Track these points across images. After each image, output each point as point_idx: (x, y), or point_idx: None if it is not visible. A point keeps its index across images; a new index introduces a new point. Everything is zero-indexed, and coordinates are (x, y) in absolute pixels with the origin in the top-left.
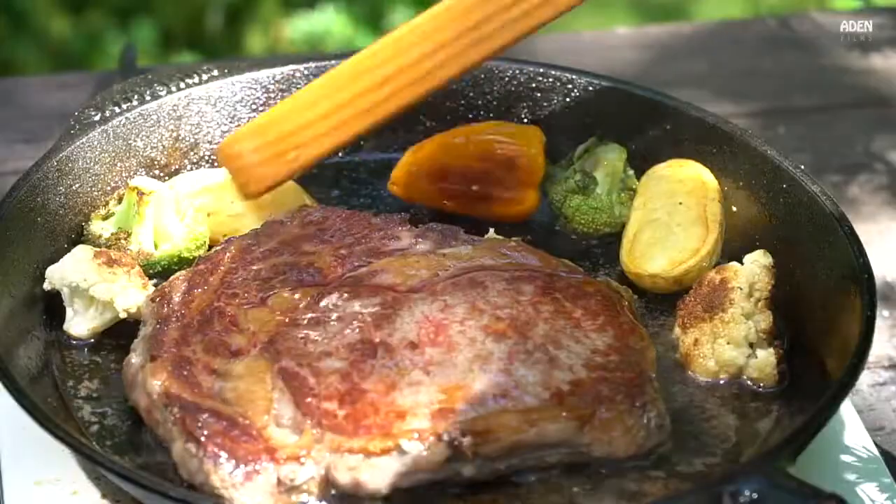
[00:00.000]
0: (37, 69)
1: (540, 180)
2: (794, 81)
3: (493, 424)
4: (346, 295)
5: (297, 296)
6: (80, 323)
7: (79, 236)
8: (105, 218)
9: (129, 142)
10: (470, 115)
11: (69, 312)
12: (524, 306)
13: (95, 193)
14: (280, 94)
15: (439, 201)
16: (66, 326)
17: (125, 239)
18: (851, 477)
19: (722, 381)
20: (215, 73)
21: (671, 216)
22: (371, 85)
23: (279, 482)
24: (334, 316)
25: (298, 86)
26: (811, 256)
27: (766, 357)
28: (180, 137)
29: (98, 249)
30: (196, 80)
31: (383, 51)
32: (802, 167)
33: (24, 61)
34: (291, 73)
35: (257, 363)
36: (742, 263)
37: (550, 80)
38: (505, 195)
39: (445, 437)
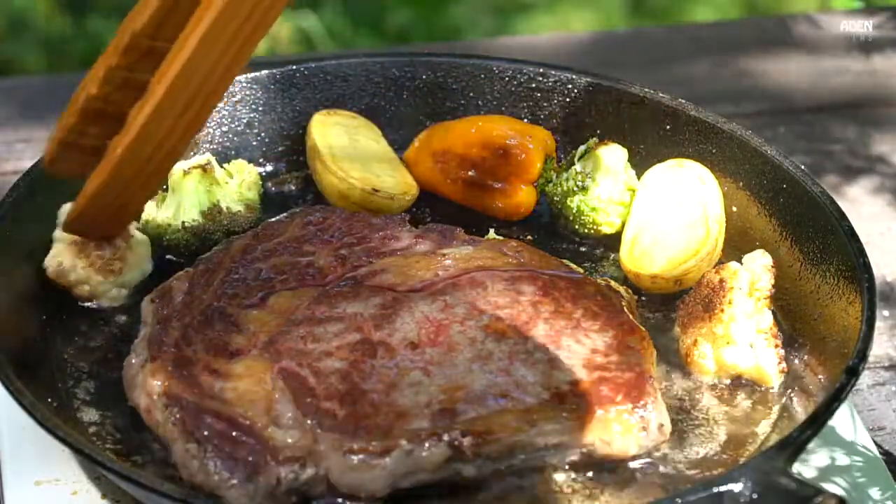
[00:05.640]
0: (37, 69)
1: (534, 178)
2: (793, 81)
3: (493, 424)
4: (346, 295)
5: (297, 296)
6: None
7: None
8: None
9: None
10: (470, 116)
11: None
12: (524, 306)
13: None
14: (280, 94)
15: (443, 182)
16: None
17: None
18: (851, 477)
19: (722, 382)
20: None
21: (671, 216)
22: (165, 137)
23: (279, 482)
24: (334, 316)
25: (298, 86)
26: (811, 256)
27: (766, 357)
28: None
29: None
30: None
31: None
32: (802, 167)
33: (24, 61)
34: (292, 73)
35: (257, 363)
36: (742, 263)
37: (550, 80)
38: (496, 185)
39: (445, 437)
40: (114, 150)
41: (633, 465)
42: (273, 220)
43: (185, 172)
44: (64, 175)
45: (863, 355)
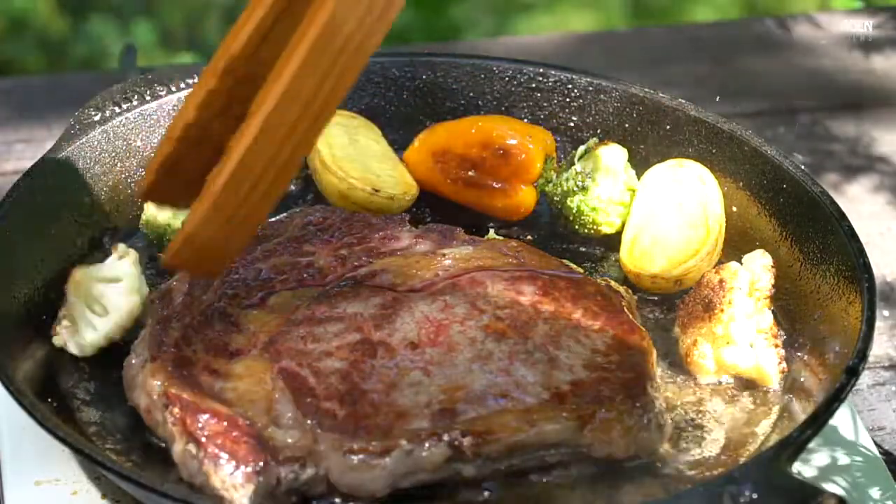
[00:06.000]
0: (37, 69)
1: (534, 178)
2: (793, 81)
3: (493, 424)
4: (346, 295)
5: (297, 296)
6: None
7: (79, 236)
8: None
9: (129, 142)
10: (470, 116)
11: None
12: (524, 306)
13: (95, 193)
14: None
15: (443, 182)
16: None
17: None
18: (851, 477)
19: (722, 382)
20: None
21: (671, 216)
22: (283, 143)
23: (279, 482)
24: (334, 316)
25: None
26: (811, 256)
27: (766, 357)
28: None
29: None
30: (196, 80)
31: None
32: (802, 167)
33: (24, 61)
34: None
35: (257, 363)
36: (742, 263)
37: (550, 80)
38: (496, 185)
39: (445, 437)
40: (212, 183)
41: (633, 465)
42: (273, 220)
43: None
44: (160, 203)
45: (863, 355)
